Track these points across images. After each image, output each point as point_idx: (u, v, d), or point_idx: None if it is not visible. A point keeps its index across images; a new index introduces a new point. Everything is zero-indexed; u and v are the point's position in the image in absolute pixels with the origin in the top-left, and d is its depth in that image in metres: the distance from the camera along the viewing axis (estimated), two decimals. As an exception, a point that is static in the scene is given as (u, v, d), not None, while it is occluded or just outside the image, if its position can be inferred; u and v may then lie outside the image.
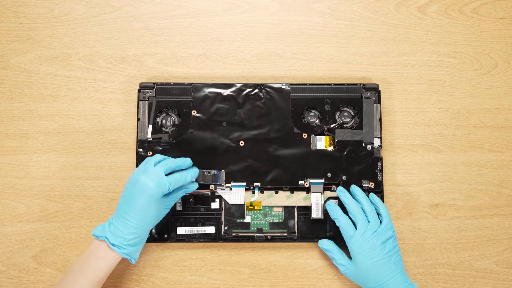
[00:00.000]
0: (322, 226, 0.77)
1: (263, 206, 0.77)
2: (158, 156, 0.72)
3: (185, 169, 0.73)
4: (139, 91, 0.78)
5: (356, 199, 0.75)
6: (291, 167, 0.77)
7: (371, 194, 0.75)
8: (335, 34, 0.81)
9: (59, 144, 0.79)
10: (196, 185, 0.74)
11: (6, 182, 0.78)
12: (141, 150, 0.77)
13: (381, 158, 0.78)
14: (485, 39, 0.82)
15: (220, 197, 0.77)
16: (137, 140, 0.77)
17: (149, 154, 0.77)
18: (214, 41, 0.81)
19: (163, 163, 0.70)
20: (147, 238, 0.76)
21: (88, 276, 0.67)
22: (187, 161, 0.73)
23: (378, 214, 0.74)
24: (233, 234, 0.77)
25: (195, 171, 0.73)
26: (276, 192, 0.77)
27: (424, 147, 0.80)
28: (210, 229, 0.76)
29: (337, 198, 0.77)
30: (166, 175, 0.70)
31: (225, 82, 0.78)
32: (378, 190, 0.77)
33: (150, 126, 0.77)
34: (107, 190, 0.78)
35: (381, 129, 0.78)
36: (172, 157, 0.76)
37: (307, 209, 0.77)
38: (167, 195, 0.71)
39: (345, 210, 0.75)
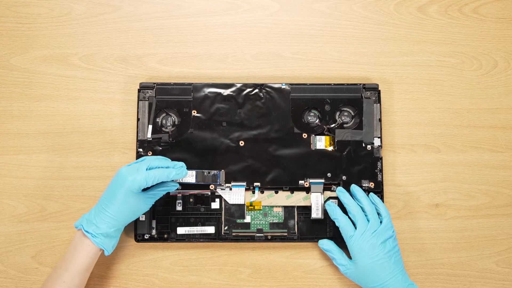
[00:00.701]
0: (322, 226, 0.77)
1: (263, 206, 0.77)
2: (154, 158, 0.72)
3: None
4: (139, 91, 0.78)
5: (356, 198, 0.75)
6: (291, 167, 0.77)
7: (371, 194, 0.75)
8: (335, 34, 0.81)
9: (59, 144, 0.79)
10: (176, 185, 0.72)
11: (6, 182, 0.78)
12: (141, 150, 0.77)
13: (381, 158, 0.77)
14: (485, 39, 0.82)
15: (220, 197, 0.77)
16: (137, 140, 0.77)
17: (149, 154, 0.77)
18: (214, 41, 0.81)
19: (149, 159, 0.70)
20: (147, 238, 0.76)
21: (70, 269, 0.68)
22: (179, 163, 0.72)
23: (378, 214, 0.74)
24: (233, 234, 0.77)
25: (182, 171, 0.71)
26: (276, 192, 0.77)
27: (424, 147, 0.80)
28: (210, 229, 0.76)
29: (337, 198, 0.77)
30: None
31: (225, 82, 0.78)
32: (378, 190, 0.77)
33: (150, 126, 0.77)
34: (107, 190, 0.78)
35: (381, 129, 0.78)
36: (172, 158, 0.76)
37: (307, 209, 0.77)
38: (147, 190, 0.71)
39: (344, 210, 0.75)
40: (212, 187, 0.76)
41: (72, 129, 0.79)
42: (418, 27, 0.82)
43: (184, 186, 0.76)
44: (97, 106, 0.79)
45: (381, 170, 0.77)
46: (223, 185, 0.76)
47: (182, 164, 0.72)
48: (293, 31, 0.81)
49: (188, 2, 0.82)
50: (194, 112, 0.78)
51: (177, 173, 0.70)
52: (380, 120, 0.78)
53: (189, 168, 0.75)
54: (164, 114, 0.78)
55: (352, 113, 0.78)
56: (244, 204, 0.77)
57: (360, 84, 0.79)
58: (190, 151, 0.77)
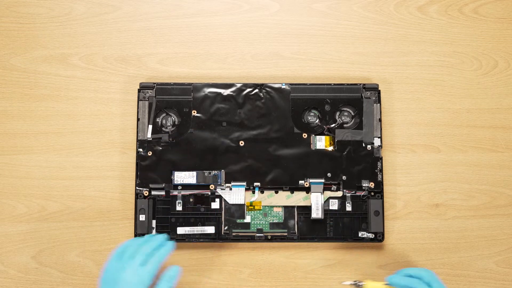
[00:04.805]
0: (322, 226, 0.77)
1: (263, 206, 0.77)
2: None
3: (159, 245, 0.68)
4: (139, 91, 0.78)
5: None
6: (291, 167, 0.77)
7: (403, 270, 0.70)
8: (335, 34, 0.81)
9: (59, 144, 0.79)
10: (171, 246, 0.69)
11: (6, 182, 0.78)
12: (141, 150, 0.77)
13: (381, 158, 0.77)
14: (485, 39, 0.82)
15: (220, 197, 0.77)
16: (137, 140, 0.77)
17: (149, 154, 0.76)
18: (214, 41, 0.81)
19: (140, 255, 0.65)
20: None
21: None
22: (159, 238, 0.68)
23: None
24: (233, 234, 0.77)
25: (169, 245, 0.67)
26: (276, 192, 0.77)
27: (424, 147, 0.80)
28: (210, 229, 0.76)
29: (337, 198, 0.77)
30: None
31: (225, 82, 0.79)
32: (378, 190, 0.77)
33: (150, 126, 0.77)
34: (107, 190, 0.78)
35: (381, 129, 0.78)
36: (172, 158, 0.76)
37: (307, 209, 0.77)
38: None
39: None
40: (212, 187, 0.76)
41: (72, 129, 0.79)
42: (418, 27, 0.82)
43: (184, 186, 0.76)
44: (97, 106, 0.79)
45: (381, 170, 0.77)
46: (223, 185, 0.76)
47: (161, 238, 0.69)
48: (293, 31, 0.81)
49: (188, 2, 0.82)
50: (194, 112, 0.78)
51: (168, 249, 0.66)
52: (380, 120, 0.78)
53: (189, 168, 0.76)
54: (164, 114, 0.78)
55: (352, 113, 0.78)
56: (244, 204, 0.77)
57: (360, 84, 0.79)
58: (190, 151, 0.77)
